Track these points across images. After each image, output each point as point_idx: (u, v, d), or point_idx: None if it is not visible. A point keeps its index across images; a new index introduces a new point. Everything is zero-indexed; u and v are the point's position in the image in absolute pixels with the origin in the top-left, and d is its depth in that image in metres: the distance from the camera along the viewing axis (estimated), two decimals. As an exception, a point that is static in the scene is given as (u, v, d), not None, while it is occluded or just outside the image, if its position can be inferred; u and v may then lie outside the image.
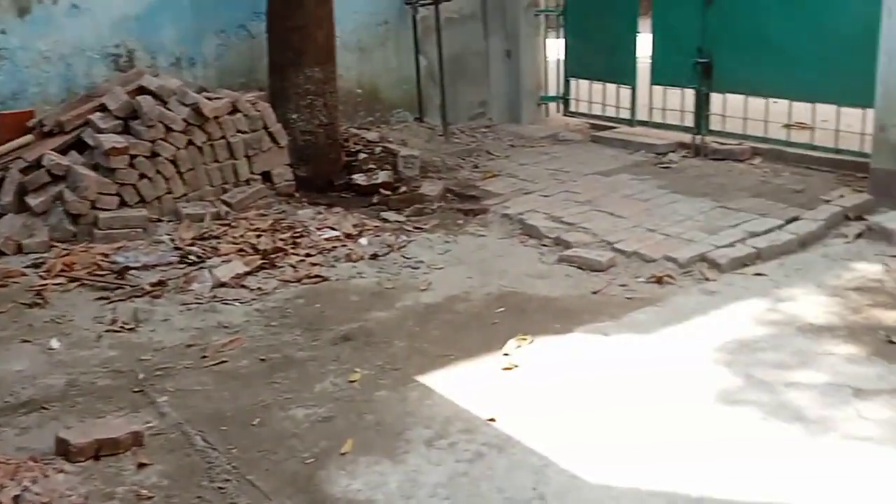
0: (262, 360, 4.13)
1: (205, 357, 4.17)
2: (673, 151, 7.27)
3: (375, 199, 6.33)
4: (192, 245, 5.40)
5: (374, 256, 5.36)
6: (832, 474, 3.04)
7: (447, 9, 7.85)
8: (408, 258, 5.36)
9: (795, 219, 5.52)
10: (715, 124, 7.20)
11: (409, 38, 7.88)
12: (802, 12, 6.40)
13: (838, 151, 6.47)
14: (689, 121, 7.30)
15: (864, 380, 3.65)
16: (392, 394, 3.77)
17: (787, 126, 6.85)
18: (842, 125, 6.41)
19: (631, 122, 7.91)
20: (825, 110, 6.49)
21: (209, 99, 6.07)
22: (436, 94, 7.95)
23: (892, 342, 3.96)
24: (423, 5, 7.71)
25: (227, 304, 4.76)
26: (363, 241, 5.57)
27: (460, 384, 3.82)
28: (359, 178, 6.50)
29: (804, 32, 6.38)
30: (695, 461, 3.16)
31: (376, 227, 5.83)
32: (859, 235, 5.33)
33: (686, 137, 7.30)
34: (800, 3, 6.42)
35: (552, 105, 8.73)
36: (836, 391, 3.57)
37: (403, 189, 6.45)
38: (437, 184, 6.58)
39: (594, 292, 4.78)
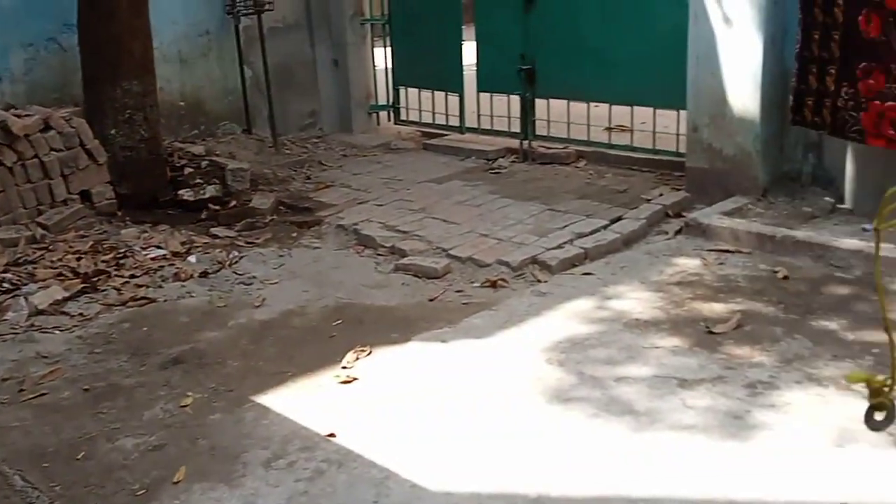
0: (86, 389, 3.92)
1: (22, 390, 3.92)
2: (502, 157, 7.43)
3: (204, 215, 6.13)
4: (5, 272, 5.06)
5: (205, 274, 5.18)
6: (662, 464, 3.15)
7: (270, 18, 7.72)
8: (240, 274, 5.22)
9: (619, 218, 5.73)
10: (541, 129, 7.39)
11: (232, 49, 7.70)
12: (618, 19, 6.65)
13: (656, 152, 6.77)
14: (517, 126, 7.47)
15: (687, 370, 3.81)
16: (227, 416, 3.65)
17: (609, 129, 7.11)
18: (659, 127, 6.71)
19: (461, 130, 8.03)
20: (643, 113, 6.77)
21: (18, 116, 5.70)
22: (263, 105, 7.80)
23: (711, 332, 4.16)
24: (245, 15, 7.55)
25: (45, 332, 4.49)
26: (192, 258, 5.39)
27: (298, 401, 3.74)
28: (185, 194, 6.28)
29: (620, 38, 6.64)
30: (532, 461, 3.21)
31: (206, 243, 5.65)
32: (679, 232, 5.58)
33: (514, 143, 7.47)
34: (615, 9, 6.66)
35: (383, 114, 8.75)
36: (662, 383, 3.71)
37: (233, 203, 6.28)
38: (269, 196, 6.44)
39: (431, 299, 4.80)
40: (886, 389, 2.13)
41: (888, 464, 3.06)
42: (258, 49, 7.63)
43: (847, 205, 5.51)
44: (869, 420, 2.18)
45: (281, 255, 5.53)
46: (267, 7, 7.56)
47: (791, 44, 5.46)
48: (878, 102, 4.94)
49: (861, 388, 2.16)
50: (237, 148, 7.47)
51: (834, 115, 5.24)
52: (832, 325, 4.17)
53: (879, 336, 3.96)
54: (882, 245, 4.75)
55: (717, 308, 4.44)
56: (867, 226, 4.97)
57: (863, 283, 4.59)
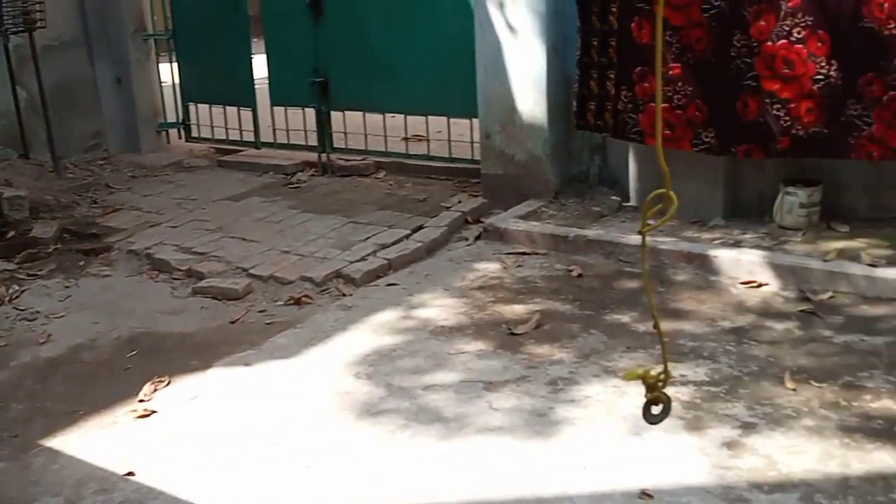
0: None
1: None
2: (301, 171, 7.33)
3: (-22, 249, 5.67)
4: None
5: (-19, 312, 4.80)
6: (472, 468, 3.18)
7: (44, 36, 7.23)
8: (21, 310, 4.85)
9: (421, 227, 5.77)
10: (338, 141, 7.33)
11: (2, 69, 7.17)
12: (407, 30, 6.69)
13: (453, 160, 6.86)
14: (314, 140, 7.38)
15: (492, 373, 3.87)
16: (11, 464, 3.38)
17: (406, 139, 7.16)
18: (454, 135, 6.79)
19: (256, 145, 7.84)
20: (439, 122, 6.84)
21: None
22: (41, 128, 7.29)
23: (513, 334, 4.25)
24: (14, 33, 7.05)
25: None
26: (-34, 296, 4.97)
27: (92, 441, 3.52)
28: (-44, 227, 5.79)
29: (410, 49, 6.69)
30: (342, 478, 3.16)
31: (-19, 279, 5.23)
32: (478, 237, 5.68)
33: (312, 156, 7.38)
34: (404, 21, 6.70)
35: (173, 132, 8.41)
36: (468, 388, 3.76)
37: (11, 234, 5.83)
38: (52, 224, 6.03)
39: (232, 322, 4.65)
40: (661, 384, 2.24)
41: (680, 447, 3.23)
42: (32, 69, 7.15)
43: (632, 202, 5.79)
44: (647, 415, 2.29)
45: (67, 287, 5.19)
46: (39, 24, 7.08)
47: (572, 51, 5.68)
48: (653, 105, 5.23)
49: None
50: (14, 174, 6.95)
51: (615, 118, 5.50)
52: (625, 318, 4.36)
53: (667, 326, 4.20)
54: (664, 239, 5.05)
55: (517, 309, 4.55)
56: (651, 221, 5.23)
57: (650, 276, 4.83)
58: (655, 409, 2.28)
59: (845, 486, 2.95)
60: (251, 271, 5.18)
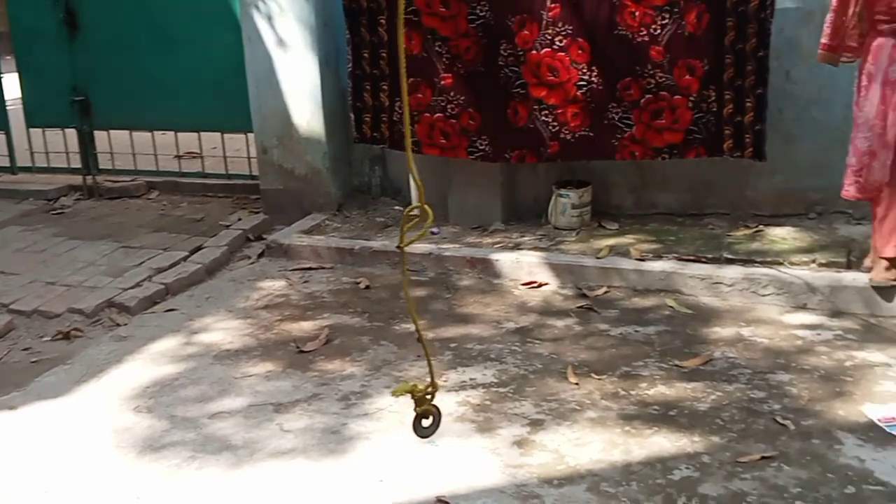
0: None
1: None
2: (65, 195, 6.89)
3: None
4: None
5: None
6: (264, 496, 3.06)
7: None
8: None
9: (199, 248, 5.55)
10: (105, 162, 6.95)
11: None
12: (171, 45, 6.43)
13: (230, 177, 6.67)
14: (77, 162, 6.95)
15: (282, 394, 3.76)
16: None
17: (178, 157, 6.87)
18: (230, 150, 6.61)
19: (13, 170, 7.28)
20: (214, 138, 6.63)
21: None
22: None
23: (302, 352, 4.15)
24: None
25: None
26: None
27: None
28: None
29: (178, 65, 6.43)
30: (127, 523, 2.95)
31: None
32: (261, 255, 5.54)
33: (76, 179, 6.96)
34: (167, 35, 6.43)
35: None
36: (258, 411, 3.62)
37: None
38: None
39: (-7, 363, 4.27)
40: (429, 397, 2.24)
41: (473, 450, 3.25)
42: None
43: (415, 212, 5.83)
44: (417, 428, 2.28)
45: None
46: None
47: (345, 63, 5.65)
48: (428, 115, 5.29)
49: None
50: None
51: (391, 129, 5.52)
52: (411, 327, 4.36)
53: (455, 331, 4.26)
54: (448, 245, 5.13)
55: (306, 326, 4.46)
56: (434, 230, 5.30)
57: (436, 284, 4.89)
58: (426, 422, 2.27)
59: (628, 473, 3.07)
60: (12, 306, 4.78)
